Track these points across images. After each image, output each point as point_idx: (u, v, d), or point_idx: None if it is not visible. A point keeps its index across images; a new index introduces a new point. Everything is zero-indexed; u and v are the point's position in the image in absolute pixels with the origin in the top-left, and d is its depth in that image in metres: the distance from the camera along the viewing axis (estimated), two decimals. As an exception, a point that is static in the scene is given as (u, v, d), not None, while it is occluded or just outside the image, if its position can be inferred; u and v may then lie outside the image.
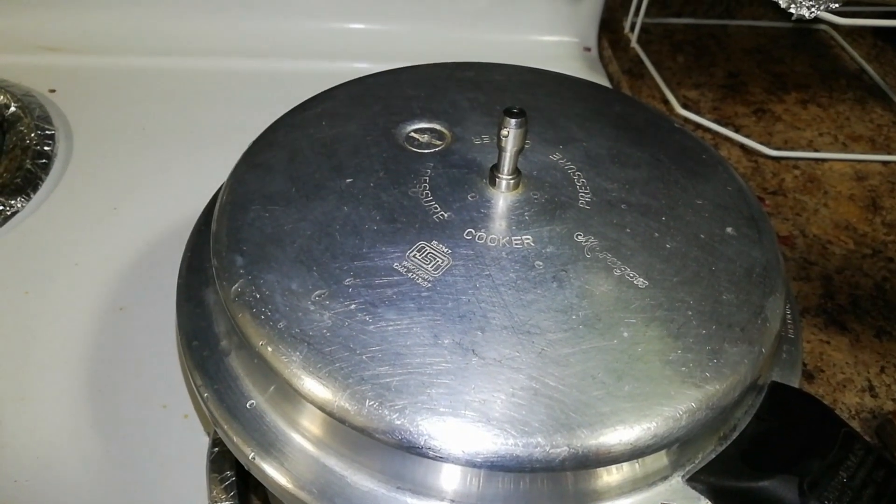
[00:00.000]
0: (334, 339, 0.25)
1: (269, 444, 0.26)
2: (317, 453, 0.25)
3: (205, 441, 0.41)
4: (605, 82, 0.69)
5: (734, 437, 0.26)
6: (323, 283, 0.26)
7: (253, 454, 0.25)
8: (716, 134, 0.64)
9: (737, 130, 0.64)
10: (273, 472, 0.25)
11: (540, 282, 0.27)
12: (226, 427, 0.26)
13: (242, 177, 0.31)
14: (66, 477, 0.40)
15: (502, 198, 0.30)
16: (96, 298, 0.47)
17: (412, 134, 0.33)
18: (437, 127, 0.33)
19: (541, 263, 0.27)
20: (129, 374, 0.44)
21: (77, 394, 0.43)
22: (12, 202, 0.50)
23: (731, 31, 0.78)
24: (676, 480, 0.25)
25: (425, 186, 0.30)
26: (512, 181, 0.30)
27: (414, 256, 0.27)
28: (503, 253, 0.28)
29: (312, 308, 0.25)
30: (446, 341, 0.25)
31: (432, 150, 0.32)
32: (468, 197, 0.29)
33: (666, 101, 0.66)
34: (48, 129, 0.56)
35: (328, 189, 0.30)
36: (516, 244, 0.28)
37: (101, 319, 0.46)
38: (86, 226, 0.51)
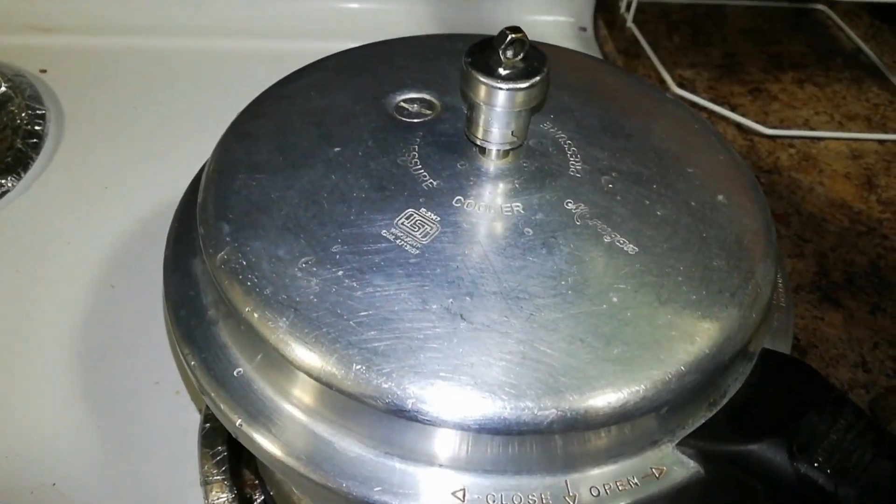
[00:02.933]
0: (321, 304, 0.24)
1: (257, 412, 0.25)
2: (305, 420, 0.25)
3: (197, 417, 0.41)
4: (600, 62, 0.68)
5: (724, 403, 0.26)
6: (310, 250, 0.26)
7: (240, 421, 0.25)
8: (711, 113, 0.63)
9: (732, 109, 0.64)
10: (260, 440, 0.25)
11: (529, 248, 0.26)
12: (213, 395, 0.26)
13: (229, 146, 0.30)
14: (57, 454, 0.40)
15: (492, 166, 0.29)
16: (88, 276, 0.47)
17: (401, 104, 0.32)
18: (427, 97, 0.33)
19: (530, 230, 0.27)
20: (122, 351, 0.44)
21: (69, 371, 0.43)
22: (3, 181, 0.50)
23: (727, 11, 0.78)
24: (666, 446, 0.25)
25: (414, 155, 0.30)
26: (502, 150, 0.29)
27: (402, 224, 0.27)
28: (492, 220, 0.27)
29: (299, 275, 0.25)
30: (434, 306, 0.24)
31: (422, 120, 0.31)
32: (457, 165, 0.29)
33: (662, 81, 0.66)
34: (39, 109, 0.56)
35: (316, 158, 0.29)
36: (506, 212, 0.28)
37: (93, 297, 0.46)
38: (77, 205, 0.51)
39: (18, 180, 0.51)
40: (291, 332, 0.24)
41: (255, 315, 0.25)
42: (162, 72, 0.63)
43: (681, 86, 0.65)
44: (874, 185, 0.59)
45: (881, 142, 0.63)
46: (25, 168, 0.52)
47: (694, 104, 0.64)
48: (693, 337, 0.24)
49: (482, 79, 0.26)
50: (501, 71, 0.26)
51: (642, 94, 0.35)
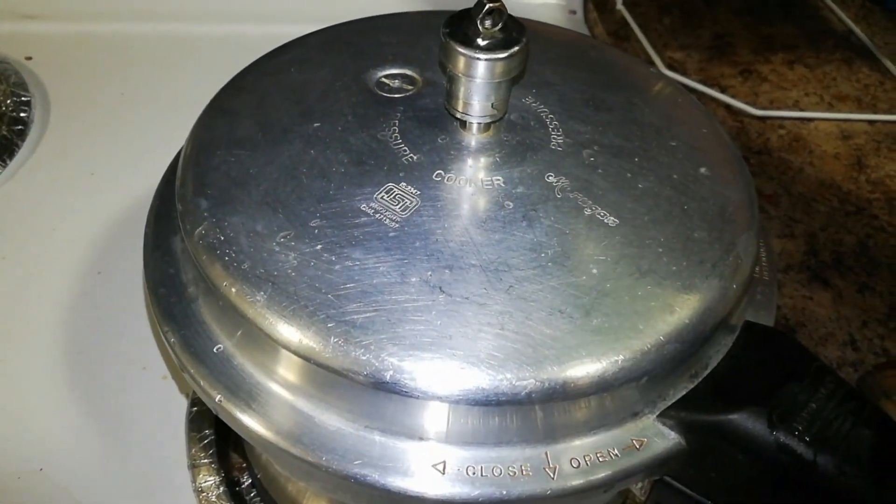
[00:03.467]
0: (299, 278, 0.24)
1: (237, 387, 0.25)
2: (284, 394, 0.25)
3: (184, 401, 0.41)
4: (589, 44, 0.68)
5: (705, 375, 0.26)
6: (289, 225, 0.26)
7: (220, 397, 0.25)
8: (701, 94, 0.63)
9: (723, 91, 0.64)
10: (240, 415, 0.25)
11: (509, 221, 0.26)
12: (193, 371, 0.26)
13: (208, 123, 0.30)
14: (44, 439, 0.40)
15: (473, 140, 0.29)
16: (74, 263, 0.47)
17: (383, 79, 0.32)
18: (409, 72, 0.32)
19: (510, 203, 0.27)
20: (108, 336, 0.44)
21: (56, 357, 0.43)
22: None
23: None
24: (647, 417, 0.25)
25: (394, 130, 0.29)
26: (483, 124, 0.29)
27: (382, 198, 0.27)
28: (473, 194, 0.27)
29: (277, 249, 0.25)
30: (414, 280, 0.24)
31: (403, 95, 0.31)
32: (438, 139, 0.29)
33: (652, 63, 0.65)
34: (24, 96, 0.55)
35: (295, 133, 0.29)
36: (486, 185, 0.27)
37: (80, 283, 0.46)
38: (63, 191, 0.51)
39: (4, 167, 0.51)
40: (269, 306, 0.24)
41: (233, 290, 0.24)
42: (148, 57, 0.62)
43: (671, 68, 0.65)
44: (864, 166, 0.59)
45: (871, 122, 0.63)
46: (11, 155, 0.51)
47: (684, 86, 0.63)
48: (673, 307, 0.24)
49: (461, 49, 0.26)
50: (480, 41, 0.26)
51: (626, 68, 0.35)
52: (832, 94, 0.66)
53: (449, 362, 0.23)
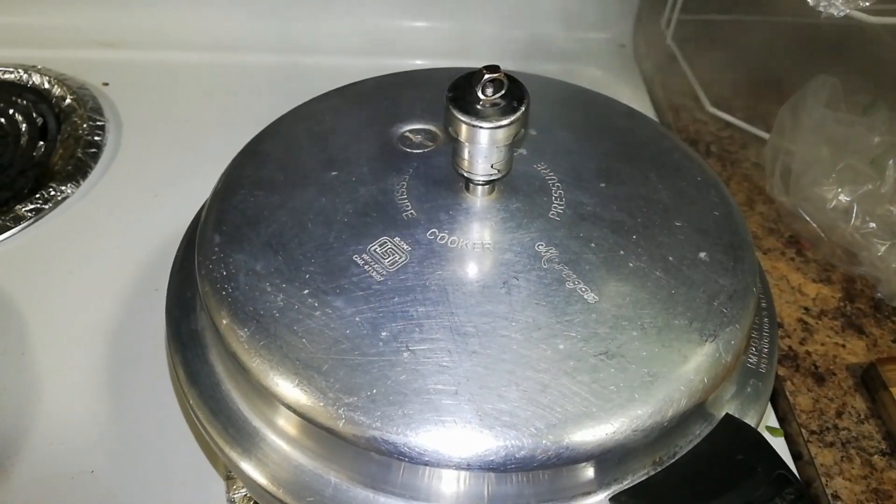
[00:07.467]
0: (281, 319, 0.26)
1: (219, 410, 0.28)
2: (251, 416, 0.27)
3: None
4: (638, 78, 0.68)
5: (670, 463, 0.26)
6: (284, 268, 0.28)
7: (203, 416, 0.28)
8: (745, 133, 0.61)
9: (768, 130, 0.61)
10: (212, 430, 0.27)
11: (488, 286, 0.27)
12: (186, 391, 0.28)
13: (240, 162, 0.33)
14: (96, 443, 0.41)
15: (476, 201, 0.30)
16: (134, 279, 0.50)
17: (406, 133, 0.34)
18: (433, 128, 0.34)
19: (494, 269, 0.28)
20: (159, 349, 0.46)
21: (113, 365, 0.45)
22: (63, 188, 0.54)
23: (768, 28, 0.74)
24: (601, 498, 0.25)
25: (403, 184, 0.31)
26: (487, 187, 0.30)
27: (374, 250, 0.28)
28: (460, 255, 0.28)
29: (269, 289, 0.27)
30: (383, 334, 0.26)
31: (421, 151, 0.33)
32: (440, 198, 0.30)
33: (696, 98, 0.64)
34: (99, 121, 0.60)
35: (312, 179, 0.31)
36: (475, 248, 0.28)
37: (138, 299, 0.49)
38: (128, 212, 0.54)
39: (77, 187, 0.54)
40: (250, 342, 0.26)
41: (224, 322, 0.27)
42: (215, 86, 0.66)
43: (716, 104, 0.63)
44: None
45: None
46: (84, 176, 0.55)
47: (728, 124, 0.62)
48: (632, 394, 0.24)
49: (461, 117, 0.27)
50: (480, 109, 0.27)
51: (653, 140, 0.35)
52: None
53: (395, 420, 0.24)
